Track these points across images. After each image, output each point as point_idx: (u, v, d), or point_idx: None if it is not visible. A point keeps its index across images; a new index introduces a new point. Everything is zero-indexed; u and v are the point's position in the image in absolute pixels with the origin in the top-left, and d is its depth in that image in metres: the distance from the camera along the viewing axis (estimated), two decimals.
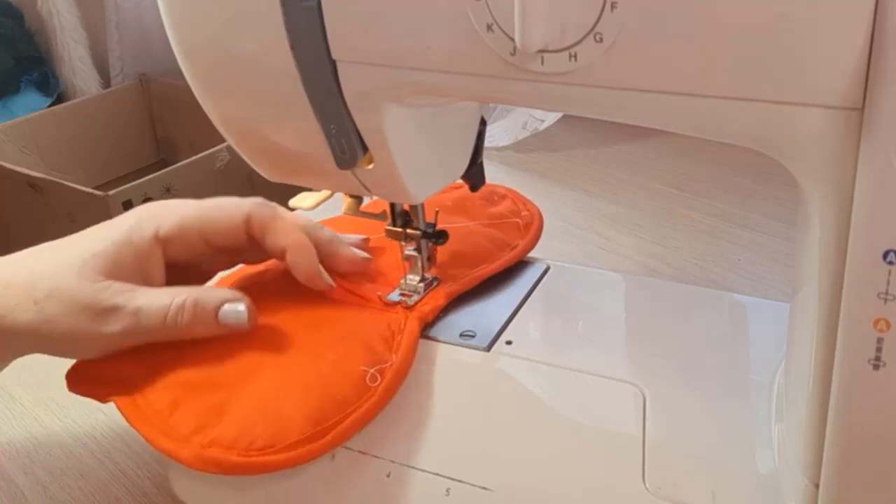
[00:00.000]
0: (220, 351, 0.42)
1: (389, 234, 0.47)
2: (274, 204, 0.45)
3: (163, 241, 0.42)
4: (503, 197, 0.56)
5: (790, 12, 0.27)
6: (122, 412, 0.40)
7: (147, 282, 0.42)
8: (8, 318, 0.40)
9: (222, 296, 0.42)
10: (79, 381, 0.42)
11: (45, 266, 0.41)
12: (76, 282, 0.40)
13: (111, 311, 0.40)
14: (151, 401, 0.40)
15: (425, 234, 0.46)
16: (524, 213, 0.54)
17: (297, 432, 0.38)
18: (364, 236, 0.50)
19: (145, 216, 0.43)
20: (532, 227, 0.53)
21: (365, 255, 0.48)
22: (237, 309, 0.41)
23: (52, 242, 0.43)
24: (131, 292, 0.41)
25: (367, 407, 0.39)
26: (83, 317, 0.40)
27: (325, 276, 0.45)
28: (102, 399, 0.41)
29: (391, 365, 0.41)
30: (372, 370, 0.41)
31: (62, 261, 0.41)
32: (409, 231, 0.47)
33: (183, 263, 0.44)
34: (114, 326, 0.40)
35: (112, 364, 0.42)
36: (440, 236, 0.47)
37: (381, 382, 0.40)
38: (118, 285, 0.41)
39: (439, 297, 0.47)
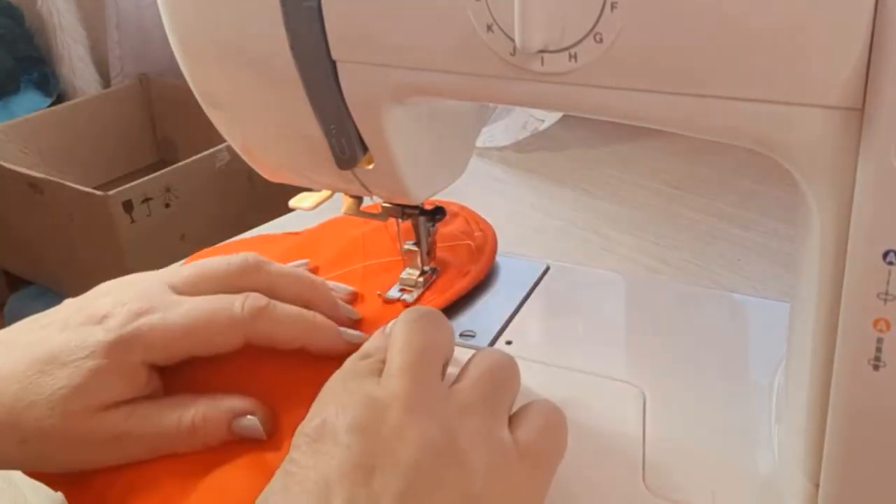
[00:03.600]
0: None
1: (386, 210, 0.46)
2: (265, 300, 0.40)
3: (149, 363, 0.39)
4: (455, 215, 0.54)
5: (790, 12, 0.27)
6: None
7: (140, 389, 0.39)
8: None
9: (231, 406, 0.39)
10: None
11: (19, 401, 0.37)
12: (63, 422, 0.36)
13: (114, 440, 0.37)
14: (101, 494, 0.38)
15: (423, 212, 0.46)
16: (477, 233, 0.52)
17: None
18: (351, 289, 0.48)
19: (128, 338, 0.38)
20: (485, 249, 0.51)
21: (360, 335, 0.43)
22: (251, 421, 0.38)
23: (13, 356, 0.38)
24: (129, 417, 0.38)
25: None
26: (83, 451, 0.37)
27: (354, 335, 0.43)
28: (54, 487, 0.40)
29: None
30: None
31: (39, 396, 0.37)
32: (406, 209, 0.46)
33: None
34: (122, 452, 0.38)
35: None
36: (437, 212, 0.47)
37: None
38: (112, 416, 0.37)
39: None
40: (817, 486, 0.32)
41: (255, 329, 0.40)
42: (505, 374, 0.36)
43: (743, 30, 0.27)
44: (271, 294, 0.41)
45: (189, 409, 0.38)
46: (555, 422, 0.35)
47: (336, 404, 0.32)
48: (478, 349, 0.44)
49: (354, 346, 0.41)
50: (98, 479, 0.38)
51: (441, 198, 0.47)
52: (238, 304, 0.40)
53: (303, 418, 0.33)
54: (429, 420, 0.32)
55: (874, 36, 0.26)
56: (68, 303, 0.41)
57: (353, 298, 0.48)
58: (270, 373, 0.41)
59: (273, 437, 0.39)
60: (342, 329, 0.42)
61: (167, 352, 0.39)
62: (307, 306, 0.42)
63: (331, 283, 0.47)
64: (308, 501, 0.29)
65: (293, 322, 0.41)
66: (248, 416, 0.38)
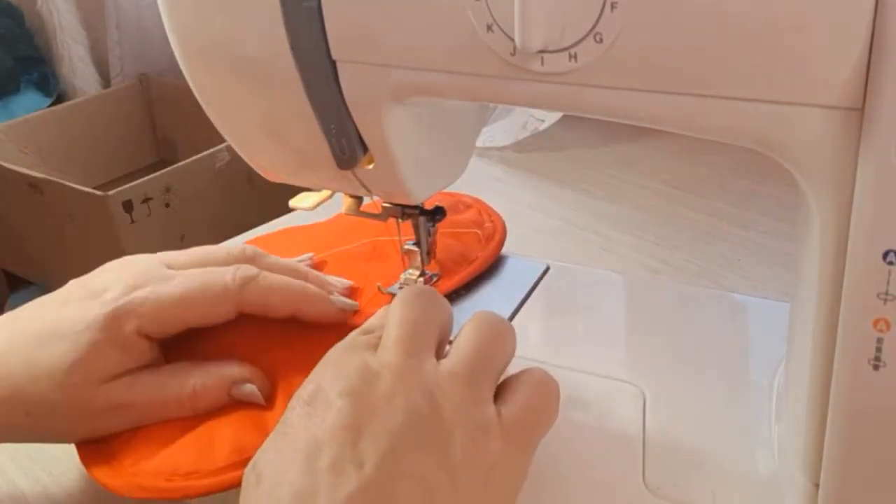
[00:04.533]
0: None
1: (387, 210, 0.46)
2: (255, 270, 0.42)
3: (145, 335, 0.40)
4: (469, 207, 0.55)
5: (790, 12, 0.27)
6: (77, 451, 0.40)
7: (138, 360, 0.40)
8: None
9: (229, 373, 0.40)
10: None
11: (22, 375, 0.38)
12: (66, 394, 0.38)
13: (117, 409, 0.39)
14: (108, 438, 0.40)
15: (423, 212, 0.46)
16: (487, 224, 0.53)
17: (222, 459, 0.37)
18: (349, 283, 0.47)
19: (122, 310, 0.39)
20: (493, 239, 0.51)
21: (352, 303, 0.45)
22: (250, 388, 0.40)
23: (16, 332, 0.40)
24: (131, 388, 0.39)
25: None
26: (87, 421, 0.39)
27: (346, 303, 0.44)
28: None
29: None
30: None
31: (41, 370, 0.38)
32: (406, 209, 0.46)
33: None
34: (125, 420, 0.39)
35: None
36: (437, 212, 0.47)
37: None
38: (114, 387, 0.39)
39: None
40: (817, 486, 0.32)
41: (245, 297, 0.41)
42: (497, 340, 0.36)
43: (743, 30, 0.27)
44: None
45: (189, 377, 0.40)
46: (541, 395, 0.36)
47: (331, 372, 0.34)
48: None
49: (346, 312, 0.43)
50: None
51: (454, 190, 0.47)
52: (229, 273, 0.41)
53: (298, 385, 0.34)
54: (416, 388, 0.33)
55: (874, 36, 0.26)
56: (72, 282, 0.42)
57: (351, 293, 0.48)
58: (268, 345, 0.42)
59: (270, 401, 0.40)
60: (333, 296, 0.43)
61: (161, 322, 0.40)
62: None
63: (331, 278, 0.47)
64: (298, 459, 0.30)
65: (283, 289, 0.42)
66: (247, 385, 0.40)
